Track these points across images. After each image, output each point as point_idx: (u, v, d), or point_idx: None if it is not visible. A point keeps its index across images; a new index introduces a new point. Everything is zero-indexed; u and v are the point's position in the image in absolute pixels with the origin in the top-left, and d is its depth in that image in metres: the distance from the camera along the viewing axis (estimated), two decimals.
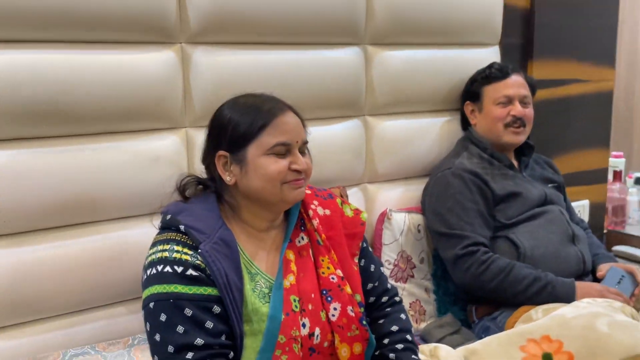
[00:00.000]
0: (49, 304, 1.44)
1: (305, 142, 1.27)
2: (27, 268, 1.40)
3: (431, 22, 1.97)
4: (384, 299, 1.39)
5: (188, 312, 1.13)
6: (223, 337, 1.15)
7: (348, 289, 1.29)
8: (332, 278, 1.28)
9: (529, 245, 1.78)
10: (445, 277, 1.91)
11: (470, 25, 2.06)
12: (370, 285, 1.38)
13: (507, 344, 1.41)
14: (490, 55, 2.11)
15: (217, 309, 1.15)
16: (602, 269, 1.82)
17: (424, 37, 1.97)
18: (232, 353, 1.16)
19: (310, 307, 1.24)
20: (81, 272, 1.45)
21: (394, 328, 1.36)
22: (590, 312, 1.43)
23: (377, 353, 1.34)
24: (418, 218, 1.92)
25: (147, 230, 1.42)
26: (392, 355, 1.32)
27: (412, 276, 1.89)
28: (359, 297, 1.30)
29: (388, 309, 1.39)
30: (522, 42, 2.19)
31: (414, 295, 1.87)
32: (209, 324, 1.13)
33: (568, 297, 1.64)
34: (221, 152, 1.24)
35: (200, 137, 1.44)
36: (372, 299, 1.38)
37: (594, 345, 1.34)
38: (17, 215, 1.39)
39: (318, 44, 1.78)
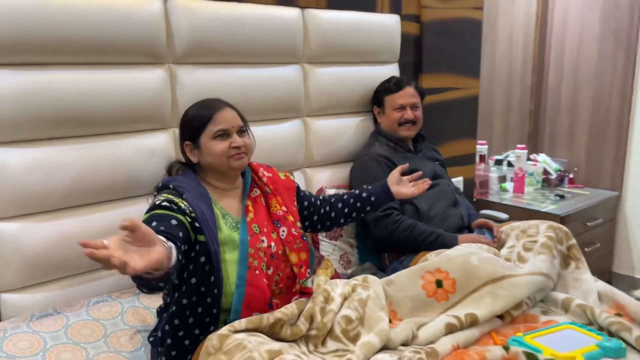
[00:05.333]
0: (74, 264, 1.52)
1: (242, 126, 1.45)
2: (57, 238, 1.47)
3: (349, 46, 2.10)
4: (323, 199, 1.69)
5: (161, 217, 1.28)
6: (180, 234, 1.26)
7: (291, 218, 1.51)
8: (279, 212, 1.51)
9: (426, 208, 1.96)
10: (364, 235, 2.03)
11: (377, 48, 2.20)
12: (314, 200, 1.66)
13: (412, 275, 1.57)
14: (392, 70, 2.27)
15: (178, 222, 1.27)
16: (474, 225, 2.00)
17: (345, 57, 2.11)
18: (183, 246, 1.26)
19: (265, 230, 1.45)
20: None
21: (345, 196, 1.68)
22: (466, 252, 1.60)
23: (359, 206, 1.67)
24: None
25: (144, 207, 1.46)
26: (364, 194, 1.67)
27: (341, 236, 2.03)
28: (299, 224, 1.52)
29: (331, 199, 1.69)
30: (414, 60, 2.36)
31: (342, 249, 2.01)
32: (174, 222, 1.27)
33: (452, 245, 1.77)
34: (187, 142, 1.46)
35: None
36: (321, 208, 1.66)
37: (469, 273, 1.53)
38: (49, 197, 1.47)
39: (270, 63, 1.91)
